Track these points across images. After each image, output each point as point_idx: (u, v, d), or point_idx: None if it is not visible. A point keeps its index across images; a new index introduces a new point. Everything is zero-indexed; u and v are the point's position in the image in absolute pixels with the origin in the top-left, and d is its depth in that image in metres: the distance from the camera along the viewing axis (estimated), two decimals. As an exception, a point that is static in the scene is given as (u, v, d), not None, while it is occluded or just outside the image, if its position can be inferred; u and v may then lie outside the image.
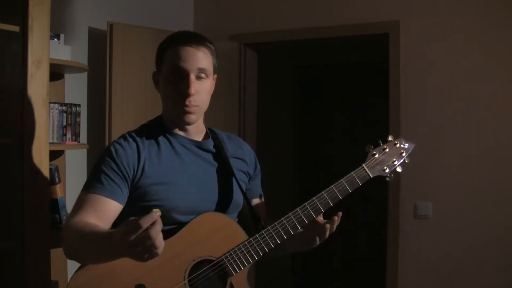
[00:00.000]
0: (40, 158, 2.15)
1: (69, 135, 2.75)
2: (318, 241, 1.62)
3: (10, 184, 2.20)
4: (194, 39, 1.57)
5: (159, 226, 1.19)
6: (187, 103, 1.52)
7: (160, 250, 1.20)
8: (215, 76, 1.63)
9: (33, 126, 2.12)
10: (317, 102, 5.65)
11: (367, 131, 5.36)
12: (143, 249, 1.19)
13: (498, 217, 3.16)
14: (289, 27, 3.70)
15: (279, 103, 5.14)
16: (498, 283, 3.15)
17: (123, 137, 1.59)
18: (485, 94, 3.20)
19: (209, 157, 1.64)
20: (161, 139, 1.59)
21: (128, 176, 1.51)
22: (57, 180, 2.59)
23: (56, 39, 2.68)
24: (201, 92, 1.55)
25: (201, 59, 1.54)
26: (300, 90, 5.60)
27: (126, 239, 1.19)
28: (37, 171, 2.14)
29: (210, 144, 1.65)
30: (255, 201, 1.78)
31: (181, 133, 1.61)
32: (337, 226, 1.59)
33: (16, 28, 2.12)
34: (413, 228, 3.37)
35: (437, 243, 3.31)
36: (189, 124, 1.58)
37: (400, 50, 3.39)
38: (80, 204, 1.49)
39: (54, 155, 2.78)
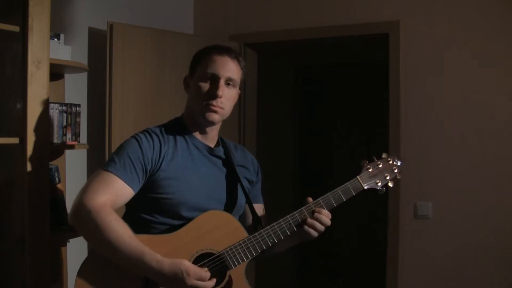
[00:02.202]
0: (40, 158, 2.15)
1: (69, 135, 2.75)
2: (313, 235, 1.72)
3: (10, 184, 2.20)
4: (230, 51, 1.76)
5: None
6: (214, 103, 1.68)
7: None
8: (239, 90, 1.82)
9: (33, 126, 2.12)
10: (317, 102, 5.66)
11: (367, 131, 5.38)
12: None
13: (498, 217, 3.16)
14: (289, 27, 3.70)
15: (279, 103, 5.13)
16: (498, 283, 3.15)
17: (146, 131, 1.71)
18: (486, 94, 3.20)
19: (219, 162, 1.78)
20: (178, 138, 1.72)
21: (148, 168, 1.63)
22: (57, 180, 2.60)
23: (56, 39, 2.68)
24: (227, 97, 1.72)
25: (232, 69, 1.73)
26: (300, 90, 5.60)
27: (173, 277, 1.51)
28: (37, 171, 2.14)
29: (221, 151, 1.80)
30: (255, 206, 1.87)
31: (198, 136, 1.76)
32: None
33: (16, 28, 2.12)
34: (413, 228, 3.37)
35: (437, 243, 3.31)
36: (211, 123, 1.72)
37: (400, 50, 3.39)
38: (101, 182, 1.57)
39: (54, 155, 2.78)
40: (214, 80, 1.71)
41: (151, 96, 3.32)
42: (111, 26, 3.13)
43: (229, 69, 1.73)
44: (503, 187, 3.16)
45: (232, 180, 1.80)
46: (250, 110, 3.95)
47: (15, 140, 2.12)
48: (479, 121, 3.22)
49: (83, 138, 3.07)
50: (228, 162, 1.80)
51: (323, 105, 5.62)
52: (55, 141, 2.68)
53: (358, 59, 4.87)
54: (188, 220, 1.64)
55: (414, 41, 3.37)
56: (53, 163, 2.69)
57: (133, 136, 1.69)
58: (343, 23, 3.55)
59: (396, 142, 3.37)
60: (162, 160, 1.66)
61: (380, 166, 1.84)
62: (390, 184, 1.85)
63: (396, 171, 1.87)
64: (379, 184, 1.82)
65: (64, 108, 2.73)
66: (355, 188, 1.77)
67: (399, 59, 3.39)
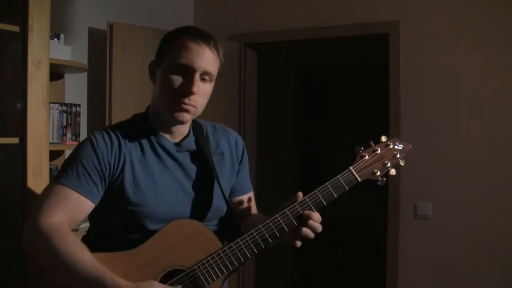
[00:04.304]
0: (40, 158, 2.15)
1: (69, 135, 2.75)
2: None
3: (10, 184, 2.20)
4: (209, 38, 1.45)
5: None
6: (186, 100, 1.41)
7: None
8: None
9: (33, 126, 2.12)
10: (317, 102, 5.66)
11: (367, 131, 5.37)
12: None
13: (498, 217, 3.16)
14: (289, 27, 3.70)
15: (279, 103, 5.13)
16: (498, 283, 3.15)
17: (105, 130, 1.47)
18: (486, 94, 3.20)
19: (188, 159, 1.51)
20: (143, 138, 1.48)
21: (107, 174, 1.40)
22: (57, 180, 2.59)
23: (56, 39, 2.69)
24: (202, 94, 1.44)
25: (210, 61, 1.44)
26: (300, 90, 5.60)
27: None
28: (37, 171, 2.14)
29: (191, 143, 1.52)
30: (244, 197, 1.67)
31: (166, 135, 1.50)
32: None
33: (16, 28, 2.12)
34: (413, 228, 3.37)
35: (437, 243, 3.31)
36: (181, 123, 1.46)
37: (400, 50, 3.39)
38: (54, 198, 1.36)
39: (54, 155, 2.78)
40: (187, 73, 1.41)
41: (151, 96, 3.32)
42: (111, 26, 3.12)
43: (207, 60, 1.42)
44: (503, 187, 3.16)
45: (207, 178, 1.52)
46: (250, 110, 3.95)
47: (15, 140, 2.12)
48: (479, 121, 3.22)
49: (83, 138, 3.05)
50: (201, 155, 1.52)
51: (323, 105, 5.62)
52: (55, 141, 2.68)
53: (358, 59, 4.87)
54: (154, 233, 1.40)
55: (414, 41, 3.37)
56: (53, 163, 2.69)
57: (87, 138, 1.45)
58: (343, 23, 3.55)
59: (396, 142, 3.36)
60: (123, 164, 1.42)
61: (378, 152, 1.54)
62: (392, 173, 1.54)
63: (398, 156, 1.55)
64: (378, 173, 1.52)
65: (64, 108, 2.73)
66: (348, 182, 1.49)
67: (399, 59, 3.39)
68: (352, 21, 3.53)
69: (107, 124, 3.13)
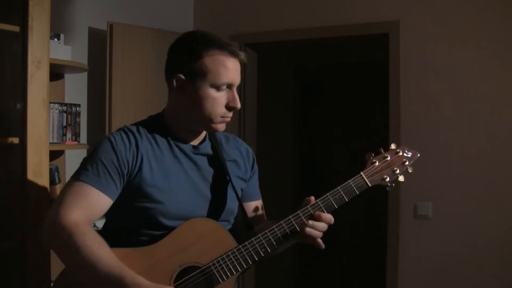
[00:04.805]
0: (40, 158, 2.15)
1: (69, 135, 2.75)
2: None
3: (10, 184, 2.20)
4: (239, 53, 1.54)
5: None
6: (230, 114, 1.52)
7: None
8: None
9: (33, 126, 2.12)
10: (317, 102, 5.65)
11: (367, 131, 5.38)
12: None
13: (498, 217, 3.16)
14: (289, 27, 3.70)
15: (279, 103, 5.13)
16: (498, 283, 3.14)
17: (123, 130, 1.53)
18: (485, 94, 3.20)
19: (205, 161, 1.58)
20: (160, 139, 1.53)
21: (125, 172, 1.46)
22: (57, 180, 2.60)
23: (56, 39, 2.69)
24: None
25: (239, 72, 1.54)
26: (300, 90, 5.60)
27: None
28: (37, 171, 2.14)
29: (207, 147, 1.60)
30: (253, 204, 1.72)
31: (183, 136, 1.56)
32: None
33: (16, 28, 2.12)
34: (413, 228, 3.36)
35: (437, 243, 3.30)
36: (218, 131, 1.56)
37: (400, 50, 3.39)
38: (74, 195, 1.41)
39: (54, 155, 2.78)
40: (229, 89, 1.51)
41: (151, 96, 3.32)
42: (111, 26, 3.13)
43: (238, 73, 1.53)
44: (503, 187, 3.16)
45: (221, 181, 1.60)
46: (250, 110, 3.95)
47: (15, 140, 2.12)
48: (479, 121, 3.21)
49: (83, 138, 3.07)
50: (216, 159, 1.59)
51: (323, 105, 5.62)
52: (55, 141, 2.69)
53: (358, 59, 4.87)
54: (171, 229, 1.46)
55: (414, 41, 3.37)
56: (53, 163, 2.69)
57: (107, 137, 1.50)
58: (343, 23, 3.55)
59: (396, 142, 3.34)
60: (141, 163, 1.47)
61: (388, 159, 1.61)
62: (401, 179, 1.61)
63: (406, 163, 1.63)
64: (387, 179, 1.59)
65: (64, 108, 2.73)
66: (359, 187, 1.55)
67: (399, 59, 3.39)
68: (352, 21, 3.52)
69: (107, 124, 3.13)
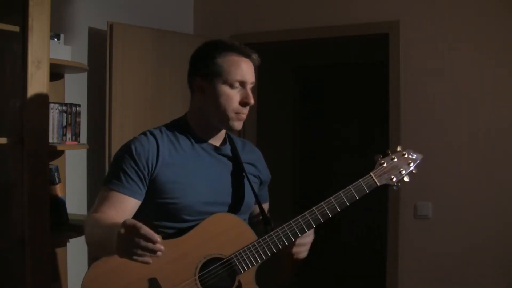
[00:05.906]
0: (40, 158, 2.15)
1: (69, 135, 2.75)
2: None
3: (10, 184, 2.20)
4: (252, 53, 1.67)
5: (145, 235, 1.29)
6: (245, 111, 1.64)
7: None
8: None
9: (33, 126, 2.12)
10: (317, 102, 5.65)
11: (367, 132, 5.38)
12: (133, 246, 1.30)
13: (498, 217, 3.16)
14: (289, 27, 3.70)
15: (278, 103, 5.13)
16: (498, 283, 3.15)
17: (144, 133, 1.66)
18: (486, 93, 3.20)
19: (226, 161, 1.72)
20: (182, 139, 1.67)
21: (146, 173, 1.59)
22: (57, 180, 2.60)
23: (56, 39, 2.68)
24: None
25: (253, 72, 1.66)
26: (300, 90, 5.60)
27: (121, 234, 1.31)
28: (37, 171, 2.14)
29: (227, 149, 1.73)
30: (264, 206, 1.84)
31: (205, 137, 1.69)
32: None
33: (16, 28, 2.12)
34: (413, 228, 3.37)
35: (437, 243, 3.31)
36: (236, 130, 1.67)
37: (400, 50, 3.39)
38: (101, 200, 1.58)
39: (54, 155, 2.78)
40: (243, 85, 1.64)
41: (151, 96, 3.32)
42: (111, 26, 3.13)
43: (252, 72, 1.66)
44: (503, 187, 3.16)
45: (240, 178, 1.74)
46: (250, 110, 3.94)
47: (15, 140, 2.12)
48: (479, 121, 3.22)
49: (83, 138, 3.07)
50: (235, 160, 1.74)
51: (323, 105, 5.62)
52: (55, 141, 2.68)
53: (358, 59, 4.87)
54: (193, 223, 1.60)
55: (414, 41, 3.37)
56: (53, 163, 2.69)
57: (127, 143, 1.64)
58: (343, 23, 3.55)
59: (396, 142, 3.36)
60: (162, 162, 1.60)
61: (395, 160, 1.75)
62: (406, 179, 1.76)
63: (411, 164, 1.77)
64: (394, 179, 1.73)
65: (64, 108, 2.73)
66: (368, 185, 1.69)
67: (399, 59, 3.39)
68: (352, 21, 3.53)
69: (107, 124, 3.14)
